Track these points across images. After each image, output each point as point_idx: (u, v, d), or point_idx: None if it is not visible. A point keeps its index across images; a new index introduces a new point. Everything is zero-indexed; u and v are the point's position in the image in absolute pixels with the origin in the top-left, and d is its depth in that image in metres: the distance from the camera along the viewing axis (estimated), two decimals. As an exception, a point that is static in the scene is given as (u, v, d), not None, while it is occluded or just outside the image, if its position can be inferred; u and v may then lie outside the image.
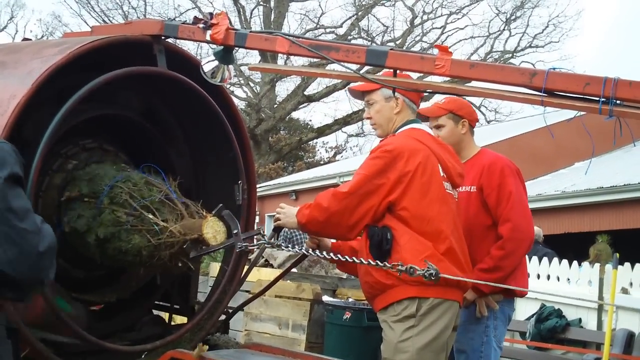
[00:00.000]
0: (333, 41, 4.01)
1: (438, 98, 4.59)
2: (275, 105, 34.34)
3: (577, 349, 7.96)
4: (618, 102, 3.08)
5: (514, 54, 33.48)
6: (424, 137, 4.05)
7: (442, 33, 34.39)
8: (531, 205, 14.75)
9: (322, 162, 34.54)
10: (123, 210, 4.08)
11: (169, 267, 4.16)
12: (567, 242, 14.12)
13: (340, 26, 34.40)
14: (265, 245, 3.90)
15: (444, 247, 3.83)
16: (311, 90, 33.46)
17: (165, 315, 5.30)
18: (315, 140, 35.99)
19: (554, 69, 3.23)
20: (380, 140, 4.16)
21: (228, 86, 30.48)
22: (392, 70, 3.79)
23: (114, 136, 4.91)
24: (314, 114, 77.99)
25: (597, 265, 8.13)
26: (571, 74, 3.20)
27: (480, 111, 34.41)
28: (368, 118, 4.22)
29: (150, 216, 3.98)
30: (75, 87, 4.05)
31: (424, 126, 4.24)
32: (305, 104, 34.19)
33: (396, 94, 4.05)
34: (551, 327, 8.08)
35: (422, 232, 3.80)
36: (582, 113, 3.31)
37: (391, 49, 3.60)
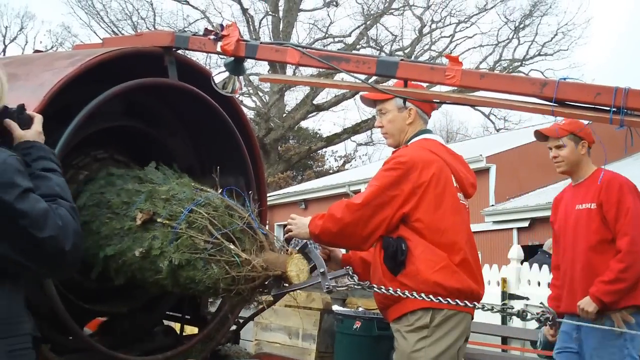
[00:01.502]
0: (343, 52, 4.01)
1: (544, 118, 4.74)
2: (285, 115, 34.39)
3: (588, 358, 7.92)
4: (629, 111, 3.08)
5: (523, 62, 33.47)
6: (437, 148, 4.07)
7: (450, 42, 34.45)
8: (542, 214, 14.88)
9: (331, 171, 34.58)
10: (202, 237, 3.75)
11: (246, 300, 3.96)
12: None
13: (349, 35, 34.49)
14: (355, 287, 3.68)
15: (459, 258, 3.86)
16: (320, 99, 33.54)
17: (177, 326, 5.30)
18: (324, 149, 36.06)
19: (564, 79, 3.23)
20: (393, 151, 4.18)
21: (237, 95, 30.68)
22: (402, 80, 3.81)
23: (123, 146, 4.92)
24: (323, 123, 78.29)
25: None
26: (582, 83, 3.20)
27: (490, 119, 34.46)
28: (380, 127, 4.25)
29: (232, 247, 3.68)
30: (87, 99, 4.07)
31: (436, 137, 4.26)
32: (314, 113, 34.24)
33: (409, 104, 4.07)
34: (562, 336, 8.03)
35: (436, 243, 3.82)
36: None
37: (402, 60, 3.60)
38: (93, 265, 4.16)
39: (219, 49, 4.15)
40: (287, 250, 3.76)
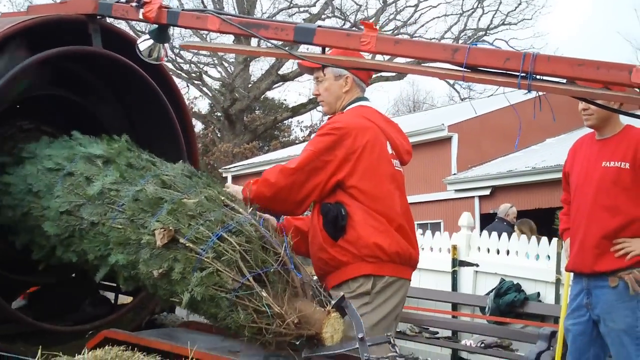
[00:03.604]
0: (263, 19, 3.97)
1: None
2: (250, 85, 34.26)
3: (535, 322, 8.02)
4: (537, 77, 3.10)
5: (487, 32, 33.58)
6: (373, 115, 4.06)
7: (415, 11, 34.43)
8: (502, 182, 15.01)
9: (297, 142, 34.46)
10: (230, 275, 3.31)
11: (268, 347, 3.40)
12: (538, 218, 14.22)
13: (314, 5, 34.30)
14: (397, 358, 3.34)
15: (396, 224, 3.88)
16: (285, 69, 33.43)
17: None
18: (290, 120, 35.99)
19: (475, 44, 3.23)
20: (328, 118, 4.17)
21: (203, 67, 30.05)
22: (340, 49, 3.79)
23: (52, 117, 4.87)
24: (289, 93, 77.79)
25: (555, 240, 8.17)
26: (492, 49, 3.20)
27: (455, 89, 34.55)
28: (317, 94, 4.23)
29: (264, 294, 3.27)
30: (8, 68, 4.02)
31: (372, 104, 4.25)
32: (280, 83, 34.14)
33: (346, 72, 4.06)
34: (510, 301, 8.13)
35: (374, 209, 3.82)
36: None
37: (319, 27, 3.58)
38: (85, 262, 3.96)
39: (141, 17, 4.10)
40: (322, 297, 3.40)
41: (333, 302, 3.30)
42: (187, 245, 3.43)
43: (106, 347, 3.71)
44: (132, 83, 4.73)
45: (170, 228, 3.48)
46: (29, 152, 4.41)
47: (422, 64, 3.66)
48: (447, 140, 20.00)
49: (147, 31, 4.28)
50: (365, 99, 4.20)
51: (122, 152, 4.07)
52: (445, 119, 20.90)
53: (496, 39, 32.68)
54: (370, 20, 32.53)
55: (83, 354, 3.65)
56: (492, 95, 27.63)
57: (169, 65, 33.41)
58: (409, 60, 3.64)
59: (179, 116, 4.84)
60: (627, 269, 4.41)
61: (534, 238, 8.68)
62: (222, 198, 3.66)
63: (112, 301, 5.17)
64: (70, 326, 4.51)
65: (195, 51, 31.69)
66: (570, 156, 4.93)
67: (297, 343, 3.27)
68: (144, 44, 4.28)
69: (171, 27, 4.20)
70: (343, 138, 3.83)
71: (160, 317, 5.09)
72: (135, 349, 3.68)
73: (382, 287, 3.82)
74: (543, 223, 12.91)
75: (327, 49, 3.76)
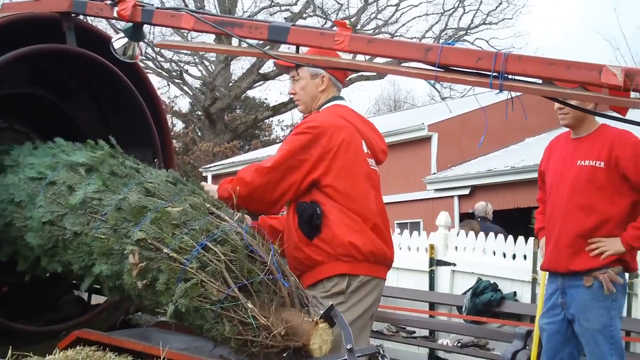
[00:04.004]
0: (237, 18, 3.96)
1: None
2: (231, 84, 34.18)
3: (511, 321, 8.05)
4: (509, 76, 3.11)
5: (468, 31, 33.68)
6: (348, 114, 4.08)
7: (396, 10, 34.46)
8: (481, 182, 15.09)
9: (278, 141, 34.42)
10: (215, 285, 3.24)
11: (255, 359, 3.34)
12: (517, 217, 14.29)
13: (295, 4, 34.27)
14: None
15: (371, 223, 3.90)
16: (266, 68, 33.35)
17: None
18: (271, 119, 35.95)
19: (448, 44, 3.24)
20: (304, 117, 4.17)
21: (183, 65, 29.88)
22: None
23: (25, 116, 4.83)
24: (270, 92, 77.74)
25: (531, 239, 8.20)
26: (464, 49, 3.21)
27: (435, 88, 34.62)
28: (293, 93, 4.23)
29: (250, 305, 3.20)
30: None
31: (348, 103, 4.25)
32: (261, 82, 34.09)
33: (322, 71, 4.06)
34: (486, 300, 8.15)
35: (349, 208, 3.83)
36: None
37: (293, 25, 3.59)
38: (70, 272, 3.90)
39: (115, 15, 4.09)
40: (309, 307, 3.34)
41: (321, 312, 3.24)
42: (171, 255, 3.35)
43: (77, 347, 3.71)
44: (106, 81, 4.70)
45: (141, 264, 3.42)
46: (12, 160, 4.34)
47: (399, 64, 3.68)
48: (427, 139, 20.09)
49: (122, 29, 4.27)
50: (341, 98, 4.22)
51: (105, 160, 3.99)
52: (426, 118, 20.98)
53: (477, 38, 32.89)
54: (352, 19, 32.62)
55: (54, 354, 3.64)
56: (473, 94, 27.76)
57: (149, 63, 33.32)
58: (388, 59, 3.63)
59: (154, 114, 4.82)
60: (602, 269, 4.44)
61: (510, 237, 8.70)
62: (207, 205, 3.59)
63: (86, 301, 5.13)
64: (43, 326, 4.47)
65: (176, 50, 31.56)
66: (546, 155, 4.95)
67: (285, 355, 3.20)
68: (118, 42, 4.27)
69: (147, 25, 4.19)
70: (319, 137, 3.84)
71: (135, 317, 5.06)
72: (107, 349, 3.68)
73: (357, 286, 3.83)
74: (522, 222, 12.99)
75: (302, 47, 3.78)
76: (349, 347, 3.21)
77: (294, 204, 3.91)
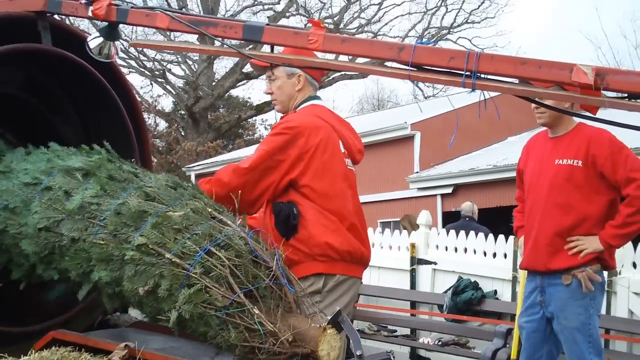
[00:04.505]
0: (212, 17, 3.99)
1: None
2: (214, 83, 34.13)
3: (492, 320, 8.11)
4: (482, 75, 3.13)
5: (451, 30, 33.71)
6: (325, 114, 4.09)
7: (379, 9, 34.47)
8: (464, 180, 15.15)
9: (261, 140, 34.42)
10: (219, 291, 3.15)
11: None
12: (500, 216, 14.33)
13: (278, 2, 34.24)
14: None
15: (347, 223, 3.92)
16: (250, 67, 33.20)
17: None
18: (254, 118, 35.89)
19: (421, 43, 3.25)
20: (281, 117, 4.18)
21: (166, 64, 29.74)
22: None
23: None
24: (253, 92, 77.41)
25: (512, 237, 8.24)
26: (437, 48, 3.23)
27: (418, 87, 34.68)
28: (269, 93, 4.24)
29: (257, 311, 3.12)
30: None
31: (324, 103, 4.27)
32: (244, 81, 34.05)
33: (299, 71, 4.07)
34: (467, 299, 8.20)
35: (325, 208, 3.85)
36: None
37: (267, 25, 3.59)
38: (67, 279, 3.76)
39: (90, 14, 4.07)
40: (317, 312, 3.29)
41: (329, 317, 3.17)
42: (173, 260, 3.25)
43: (53, 347, 3.70)
44: (82, 81, 4.68)
45: (148, 289, 3.31)
46: (4, 166, 4.22)
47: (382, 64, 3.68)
48: (410, 138, 20.12)
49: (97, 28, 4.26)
50: (318, 98, 4.24)
51: (102, 164, 3.87)
52: (409, 117, 21.01)
53: (460, 37, 32.92)
54: (335, 18, 32.64)
55: (29, 355, 3.63)
56: (457, 93, 27.76)
57: (132, 62, 33.22)
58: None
59: (130, 113, 4.80)
60: (581, 267, 4.47)
61: (491, 236, 8.75)
62: (209, 210, 3.51)
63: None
64: (20, 327, 4.44)
65: (153, 49, 31.47)
66: (524, 153, 4.99)
67: None
68: (94, 41, 4.26)
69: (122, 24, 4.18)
70: (296, 137, 3.85)
71: (114, 317, 5.04)
72: (83, 349, 3.67)
73: (334, 285, 3.85)
74: (504, 221, 13.02)
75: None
76: (358, 353, 3.17)
77: (270, 204, 3.92)
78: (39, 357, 3.55)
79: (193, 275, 3.18)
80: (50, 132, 4.77)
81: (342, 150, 4.05)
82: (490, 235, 8.74)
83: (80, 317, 4.66)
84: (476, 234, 9.05)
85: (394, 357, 3.39)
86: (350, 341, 3.25)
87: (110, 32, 4.20)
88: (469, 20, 33.92)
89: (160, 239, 3.34)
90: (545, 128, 4.81)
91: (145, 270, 3.34)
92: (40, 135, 4.48)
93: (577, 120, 4.66)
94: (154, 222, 3.42)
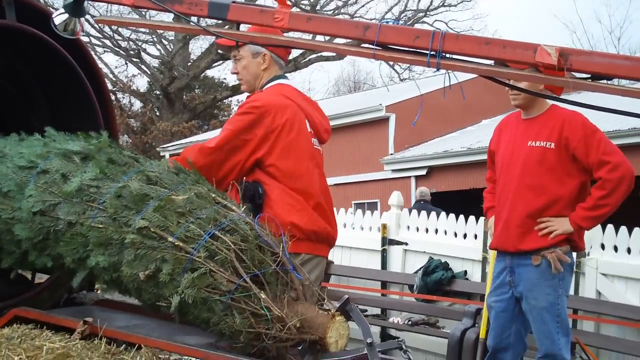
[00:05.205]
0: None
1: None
2: (189, 63, 33.91)
3: (462, 300, 8.14)
4: (447, 55, 3.12)
5: (427, 13, 33.68)
6: (292, 93, 4.09)
7: (356, -10, 34.30)
8: (438, 162, 15.16)
9: (235, 121, 34.33)
10: (224, 275, 3.08)
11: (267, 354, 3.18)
12: (473, 198, 14.35)
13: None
14: None
15: (313, 202, 3.93)
16: (225, 48, 33.08)
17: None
18: (229, 99, 35.72)
19: (387, 22, 3.24)
20: (248, 96, 4.17)
21: (141, 44, 29.46)
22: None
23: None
24: (229, 72, 77.35)
25: (482, 218, 8.27)
26: (402, 27, 3.23)
27: (394, 69, 34.67)
28: (235, 73, 4.23)
29: (263, 296, 3.05)
30: None
31: (290, 82, 4.26)
32: (220, 62, 33.85)
33: (264, 50, 4.05)
34: (437, 279, 8.23)
35: (291, 188, 3.86)
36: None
37: (233, 2, 3.56)
38: (61, 266, 3.68)
39: (54, -10, 4.03)
40: (322, 303, 3.22)
41: (337, 304, 3.16)
42: (176, 244, 3.18)
43: (14, 325, 3.68)
44: (47, 58, 4.62)
45: (149, 273, 3.22)
46: None
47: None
48: (385, 120, 20.13)
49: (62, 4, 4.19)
50: (284, 77, 4.24)
51: (102, 148, 3.78)
52: (384, 99, 21.00)
53: (436, 20, 32.70)
54: (311, 0, 32.47)
55: (-10, 333, 3.61)
56: (432, 76, 27.79)
57: (107, 42, 32.91)
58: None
59: (96, 89, 4.75)
60: (550, 248, 4.50)
61: (462, 217, 8.78)
62: (213, 195, 3.45)
63: (29, 279, 5.07)
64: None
65: (122, 27, 31.17)
66: (496, 134, 4.99)
67: (299, 348, 3.07)
68: (58, 17, 4.19)
69: (87, 1, 4.12)
70: (262, 116, 3.85)
71: (80, 295, 5.02)
72: (45, 327, 3.65)
73: (299, 264, 3.84)
74: (477, 203, 13.02)
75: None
76: (369, 341, 3.14)
77: (236, 184, 3.90)
78: (0, 334, 3.53)
79: (197, 259, 3.12)
80: (14, 112, 4.71)
81: (309, 130, 4.05)
82: (461, 217, 8.76)
83: (44, 296, 4.63)
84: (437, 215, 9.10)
85: (405, 345, 3.29)
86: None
87: (76, 9, 4.13)
88: (445, 3, 33.93)
89: (163, 222, 3.27)
90: (518, 109, 4.82)
91: (146, 255, 3.26)
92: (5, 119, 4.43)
93: (550, 102, 4.67)
94: (156, 205, 3.34)
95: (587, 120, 4.55)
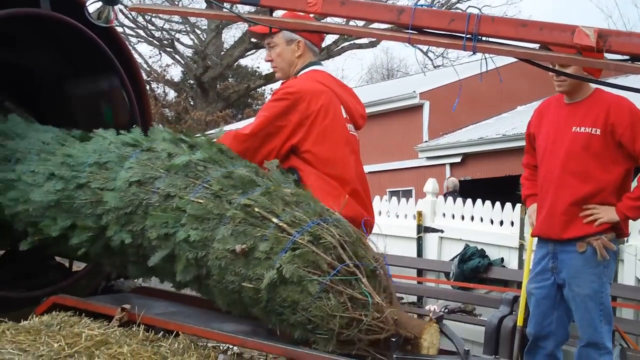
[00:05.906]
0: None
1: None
2: (223, 52, 33.97)
3: (499, 287, 8.09)
4: (482, 38, 3.08)
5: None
6: (326, 79, 4.06)
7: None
8: (473, 150, 15.06)
9: (269, 109, 34.34)
10: (328, 258, 3.05)
11: (349, 348, 3.07)
12: (509, 185, 14.26)
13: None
14: None
15: (349, 188, 3.90)
16: (259, 36, 33.11)
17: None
18: (263, 87, 35.75)
19: (421, 5, 3.21)
20: (282, 83, 4.15)
21: (174, 34, 29.49)
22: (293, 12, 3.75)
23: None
24: (262, 61, 77.37)
25: (518, 205, 8.20)
26: (437, 10, 3.22)
27: (428, 57, 34.42)
28: (269, 60, 4.22)
29: (365, 281, 3.02)
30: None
31: (325, 68, 4.24)
32: (253, 50, 33.87)
33: (298, 37, 4.04)
34: (474, 267, 8.18)
35: (327, 174, 3.83)
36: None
37: (265, -12, 3.55)
38: (140, 246, 3.60)
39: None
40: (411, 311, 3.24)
41: (432, 315, 3.18)
42: (280, 225, 3.16)
43: (54, 312, 3.72)
44: (82, 46, 4.65)
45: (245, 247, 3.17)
46: (100, 134, 4.08)
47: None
48: (419, 107, 20.06)
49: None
50: (319, 63, 4.21)
51: (209, 142, 3.75)
52: (417, 86, 20.90)
53: (469, 5, 32.48)
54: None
55: (29, 320, 3.65)
56: (467, 62, 27.58)
57: (140, 32, 33.08)
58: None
59: (131, 79, 4.77)
60: (595, 235, 4.41)
61: (498, 204, 8.70)
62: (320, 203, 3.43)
63: (67, 267, 5.13)
64: (22, 293, 4.46)
65: (168, 17, 31.31)
66: (536, 117, 4.83)
67: (394, 340, 3.02)
68: (92, 6, 4.21)
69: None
70: (297, 103, 3.83)
71: (118, 283, 5.05)
72: (83, 314, 3.68)
73: None
74: (513, 190, 12.92)
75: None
76: (467, 349, 3.20)
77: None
78: (39, 321, 3.57)
79: (300, 240, 3.10)
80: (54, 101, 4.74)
81: (344, 116, 4.02)
82: (498, 204, 8.69)
83: (82, 283, 4.67)
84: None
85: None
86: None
87: (109, -3, 4.16)
88: (479, -12, 33.60)
89: (269, 205, 3.26)
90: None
91: (244, 231, 3.21)
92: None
93: (594, 86, 4.53)
94: (264, 190, 3.35)
95: (633, 106, 4.42)
